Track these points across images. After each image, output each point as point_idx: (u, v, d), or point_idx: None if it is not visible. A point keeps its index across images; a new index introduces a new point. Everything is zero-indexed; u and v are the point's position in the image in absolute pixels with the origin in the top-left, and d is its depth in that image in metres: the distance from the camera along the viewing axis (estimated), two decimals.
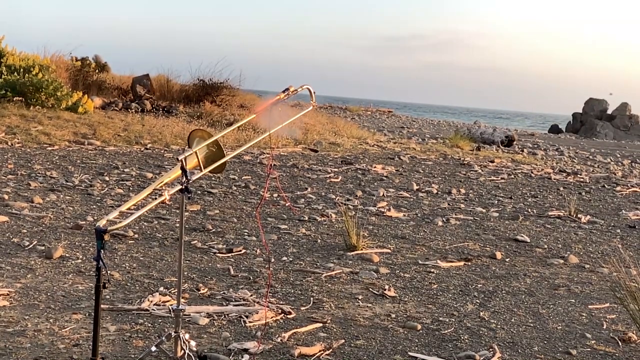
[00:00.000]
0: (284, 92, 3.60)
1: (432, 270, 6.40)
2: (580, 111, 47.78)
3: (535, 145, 25.01)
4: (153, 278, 5.56)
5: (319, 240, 7.31)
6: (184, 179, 3.28)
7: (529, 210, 10.24)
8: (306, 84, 3.66)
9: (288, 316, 4.82)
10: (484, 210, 9.87)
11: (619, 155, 23.55)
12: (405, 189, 11.48)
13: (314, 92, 3.69)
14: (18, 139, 13.47)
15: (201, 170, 3.47)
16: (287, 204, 7.76)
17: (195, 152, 3.41)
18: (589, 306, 5.58)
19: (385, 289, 5.62)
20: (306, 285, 5.64)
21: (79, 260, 5.91)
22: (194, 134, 3.56)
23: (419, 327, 4.77)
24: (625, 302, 4.75)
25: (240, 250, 6.64)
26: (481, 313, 5.20)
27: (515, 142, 23.43)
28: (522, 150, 21.66)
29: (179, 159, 3.27)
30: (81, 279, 5.41)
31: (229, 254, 6.48)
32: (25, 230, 6.83)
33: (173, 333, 3.49)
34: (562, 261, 7.12)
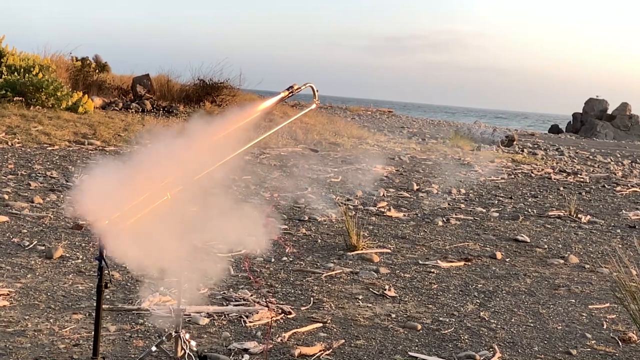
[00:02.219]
0: (288, 89, 3.60)
1: (432, 270, 6.40)
2: (581, 111, 47.78)
3: (536, 145, 25.00)
4: (153, 278, 5.55)
5: (319, 240, 7.31)
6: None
7: (529, 210, 10.24)
8: (309, 82, 3.65)
9: (288, 316, 4.82)
10: (484, 210, 9.87)
11: (619, 155, 23.54)
12: (405, 189, 11.48)
13: (317, 91, 3.69)
14: (18, 139, 13.47)
15: None
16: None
17: None
18: (589, 306, 5.58)
19: (385, 289, 5.62)
20: (306, 285, 5.64)
21: (79, 260, 5.91)
22: None
23: (419, 327, 4.77)
24: (625, 302, 4.75)
25: (240, 250, 6.63)
26: (481, 313, 5.20)
27: (515, 142, 23.42)
28: (522, 150, 21.66)
29: None
30: (81, 279, 5.41)
31: (229, 254, 6.48)
32: (25, 230, 6.83)
33: (173, 333, 3.49)
34: (562, 261, 7.12)
